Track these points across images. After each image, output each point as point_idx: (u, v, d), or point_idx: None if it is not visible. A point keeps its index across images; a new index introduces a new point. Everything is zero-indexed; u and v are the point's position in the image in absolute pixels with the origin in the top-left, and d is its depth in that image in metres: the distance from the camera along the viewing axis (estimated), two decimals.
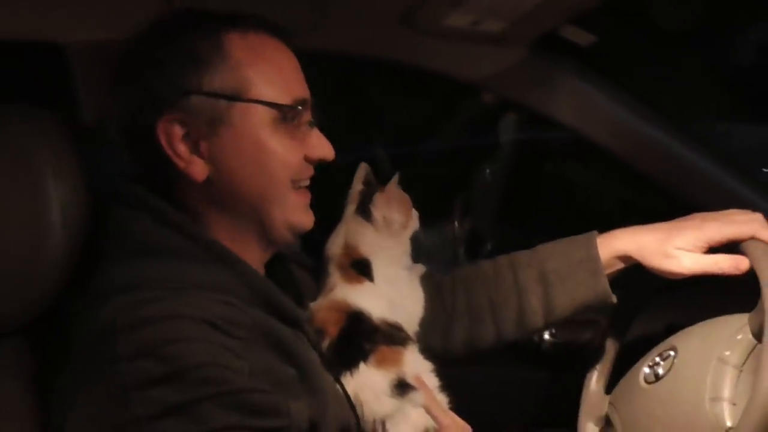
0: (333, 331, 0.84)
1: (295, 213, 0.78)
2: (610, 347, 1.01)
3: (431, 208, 1.03)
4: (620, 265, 0.93)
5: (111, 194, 0.75)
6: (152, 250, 0.71)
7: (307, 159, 0.78)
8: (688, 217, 0.92)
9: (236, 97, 0.72)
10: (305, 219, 0.79)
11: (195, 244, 0.72)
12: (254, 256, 0.77)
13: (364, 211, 0.91)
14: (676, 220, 0.92)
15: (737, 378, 0.77)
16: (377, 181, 0.94)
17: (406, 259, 0.95)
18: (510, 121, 1.65)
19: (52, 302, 0.70)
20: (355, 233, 0.91)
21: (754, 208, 0.93)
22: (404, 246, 0.95)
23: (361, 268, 0.89)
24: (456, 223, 1.70)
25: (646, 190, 1.24)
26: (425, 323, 0.94)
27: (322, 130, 0.81)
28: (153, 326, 0.63)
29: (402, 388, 0.83)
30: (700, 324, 0.88)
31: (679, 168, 1.20)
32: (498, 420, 1.12)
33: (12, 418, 0.66)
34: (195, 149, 0.72)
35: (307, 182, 0.80)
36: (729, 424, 0.74)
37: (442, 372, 0.90)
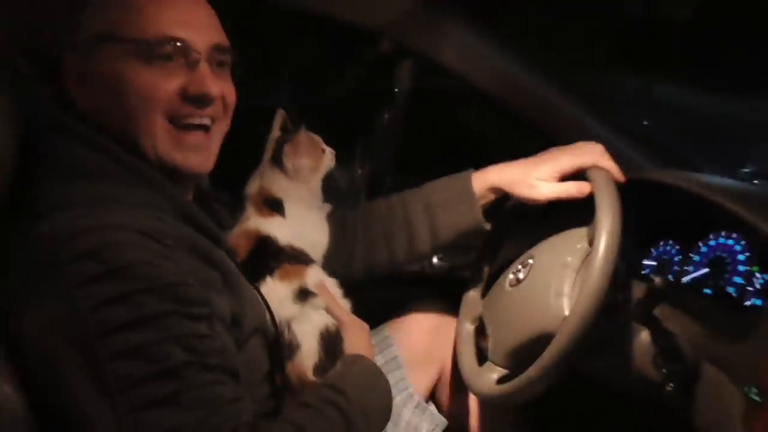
0: (243, 253, 0.97)
1: (169, 150, 0.82)
2: (486, 263, 1.18)
3: (336, 152, 1.15)
4: (492, 197, 1.09)
5: (40, 124, 0.82)
6: (84, 173, 0.79)
7: (183, 95, 0.82)
8: (546, 151, 1.07)
9: (103, 38, 0.80)
10: (181, 157, 0.83)
11: (123, 167, 0.81)
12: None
13: (277, 160, 1.04)
14: (537, 155, 1.08)
15: (575, 278, 0.94)
16: (292, 127, 1.06)
17: (316, 200, 1.09)
18: (406, 69, 1.77)
19: None
20: (269, 179, 1.04)
21: (614, 149, 1.08)
22: (314, 188, 1.08)
23: (273, 206, 1.02)
24: (357, 167, 1.83)
25: (522, 129, 1.38)
26: (330, 253, 1.07)
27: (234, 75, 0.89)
28: (90, 234, 0.72)
29: (304, 295, 0.97)
30: (553, 237, 1.04)
31: (550, 110, 1.34)
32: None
33: None
34: (82, 86, 0.81)
35: (196, 121, 0.84)
36: (566, 313, 0.92)
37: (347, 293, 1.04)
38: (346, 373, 0.91)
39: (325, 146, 1.09)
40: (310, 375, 0.92)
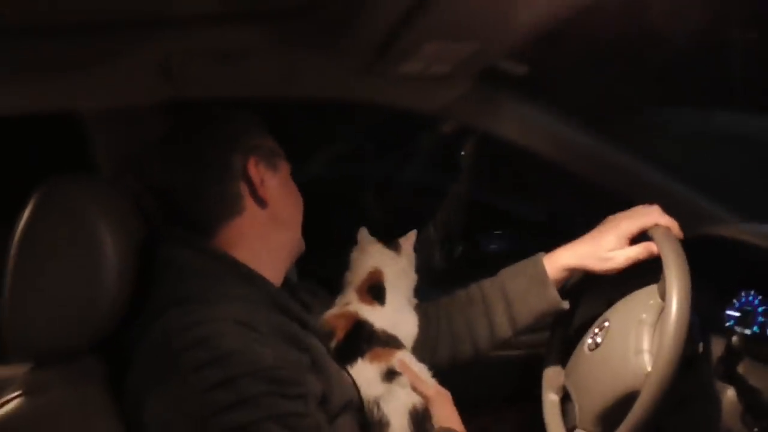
0: (341, 333, 1.06)
1: (300, 237, 1.06)
2: (560, 333, 1.20)
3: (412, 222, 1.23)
4: (566, 275, 1.13)
5: (153, 237, 0.94)
6: (193, 273, 0.91)
7: None
8: (604, 221, 1.11)
9: (276, 154, 1.03)
10: (302, 243, 1.06)
11: (226, 266, 0.92)
12: (276, 272, 0.99)
13: (394, 247, 1.16)
14: (597, 228, 1.11)
15: (653, 333, 0.95)
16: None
17: (411, 292, 1.18)
18: (471, 147, 1.86)
19: (116, 325, 0.87)
20: (383, 263, 1.15)
21: (674, 197, 1.11)
22: (413, 280, 1.18)
23: (376, 293, 1.11)
24: (432, 231, 1.91)
25: (584, 189, 1.41)
26: (417, 344, 1.14)
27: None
28: (198, 326, 0.82)
29: (391, 375, 1.03)
30: (625, 297, 1.06)
31: (605, 167, 1.36)
32: (477, 397, 1.30)
33: (99, 413, 0.84)
34: (262, 183, 0.97)
35: None
36: (648, 369, 0.92)
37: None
38: None
39: None
40: None
